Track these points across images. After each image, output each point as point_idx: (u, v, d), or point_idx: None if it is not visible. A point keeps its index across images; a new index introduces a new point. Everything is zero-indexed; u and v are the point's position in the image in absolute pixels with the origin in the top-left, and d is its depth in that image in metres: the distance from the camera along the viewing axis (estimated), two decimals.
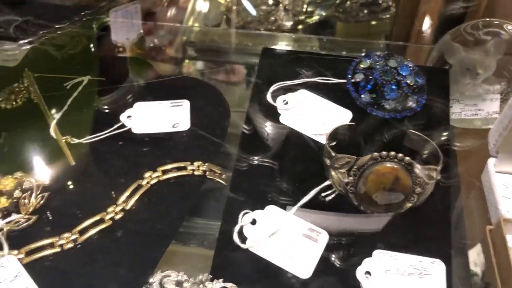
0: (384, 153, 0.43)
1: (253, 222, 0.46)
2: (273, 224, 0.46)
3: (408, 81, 0.52)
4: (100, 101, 0.60)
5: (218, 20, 0.84)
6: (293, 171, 0.50)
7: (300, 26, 0.83)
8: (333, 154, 0.45)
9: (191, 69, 0.82)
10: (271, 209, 0.47)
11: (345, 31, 0.86)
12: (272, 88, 0.55)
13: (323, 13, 0.85)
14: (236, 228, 0.46)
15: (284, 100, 0.54)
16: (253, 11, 0.80)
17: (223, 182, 0.52)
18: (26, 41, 0.62)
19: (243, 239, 0.45)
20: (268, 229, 0.46)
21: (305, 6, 0.83)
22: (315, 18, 0.85)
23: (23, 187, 0.49)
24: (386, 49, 0.81)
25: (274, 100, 0.54)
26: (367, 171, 0.43)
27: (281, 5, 0.82)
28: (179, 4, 0.87)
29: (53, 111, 0.58)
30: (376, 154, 0.43)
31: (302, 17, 0.83)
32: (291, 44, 0.80)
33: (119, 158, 0.53)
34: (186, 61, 0.80)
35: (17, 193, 0.48)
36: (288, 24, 0.83)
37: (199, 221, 0.52)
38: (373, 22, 0.86)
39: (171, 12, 0.84)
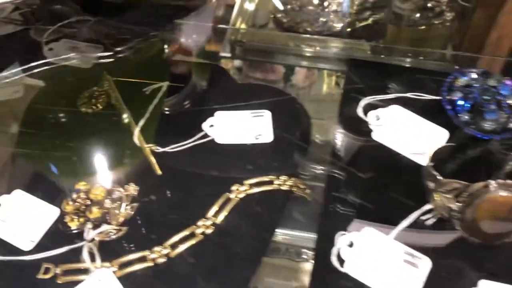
0: (500, 181, 0.40)
1: (350, 244, 0.45)
2: (371, 247, 0.44)
3: (510, 102, 0.50)
4: (177, 108, 0.59)
5: (266, 20, 0.82)
6: (387, 191, 0.48)
7: (349, 29, 0.81)
8: (438, 177, 0.43)
9: (229, 66, 0.80)
10: (368, 231, 0.45)
11: (396, 35, 0.83)
12: (362, 102, 0.53)
13: (375, 16, 0.82)
14: (334, 251, 0.44)
15: (376, 116, 0.52)
16: (280, 6, 0.77)
17: (308, 198, 0.51)
18: (120, 48, 0.61)
19: (340, 261, 0.44)
20: (366, 252, 0.44)
21: (355, 7, 0.81)
22: (368, 21, 0.82)
23: (113, 196, 0.48)
24: (453, 58, 0.78)
25: (365, 114, 0.52)
26: (479, 198, 0.41)
27: (330, 6, 0.80)
28: (228, 2, 0.85)
29: (129, 115, 0.56)
30: (492, 182, 0.41)
31: (352, 19, 0.81)
32: (340, 46, 0.78)
33: (204, 169, 0.52)
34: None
35: (107, 203, 0.47)
36: (338, 26, 0.80)
37: (284, 231, 0.51)
38: (423, 27, 0.83)
39: (220, 10, 0.83)
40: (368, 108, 0.53)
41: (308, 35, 0.74)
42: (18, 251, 0.45)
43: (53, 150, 0.54)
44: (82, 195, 0.47)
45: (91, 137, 0.55)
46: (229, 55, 0.76)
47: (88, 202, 0.46)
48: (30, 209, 0.48)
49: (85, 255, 0.44)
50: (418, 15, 0.82)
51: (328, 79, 0.73)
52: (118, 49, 0.61)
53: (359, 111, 0.53)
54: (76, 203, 0.46)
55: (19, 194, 0.49)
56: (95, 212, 0.46)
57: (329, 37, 0.75)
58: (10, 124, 0.60)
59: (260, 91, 0.63)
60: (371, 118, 0.52)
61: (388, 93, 0.54)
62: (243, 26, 0.80)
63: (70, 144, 0.54)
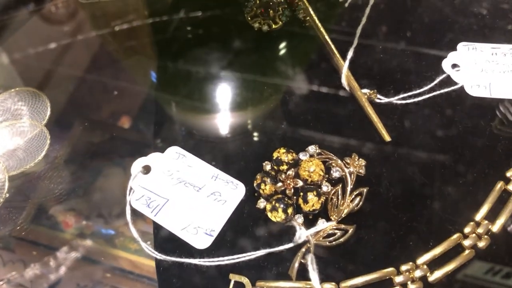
0: None
1: None
2: None
3: None
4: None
5: None
6: None
7: None
8: None
9: None
10: None
11: None
12: None
13: None
14: None
15: None
16: None
17: None
18: None
19: None
20: None
21: None
22: None
23: (332, 174, 0.30)
24: None
25: None
26: None
27: None
28: None
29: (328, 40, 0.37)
30: None
31: None
32: None
33: (451, 136, 0.33)
34: None
35: (325, 187, 0.30)
36: None
37: None
38: None
39: None
40: None
41: None
42: (191, 250, 0.29)
43: (204, 84, 0.36)
44: (285, 169, 0.30)
45: (270, 70, 0.36)
46: None
47: (298, 183, 0.29)
48: (195, 179, 0.31)
49: (295, 266, 0.28)
50: None
51: None
52: None
53: None
54: (279, 183, 0.29)
55: (175, 154, 0.33)
56: (313, 201, 0.29)
57: None
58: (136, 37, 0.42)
59: None
60: None
61: None
62: None
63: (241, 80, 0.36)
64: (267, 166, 0.31)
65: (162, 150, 0.33)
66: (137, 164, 0.32)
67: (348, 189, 0.30)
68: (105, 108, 0.38)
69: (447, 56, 0.36)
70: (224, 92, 0.36)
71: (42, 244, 0.32)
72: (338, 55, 0.35)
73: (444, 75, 0.35)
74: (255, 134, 0.34)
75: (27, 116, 0.34)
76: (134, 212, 0.31)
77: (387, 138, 0.32)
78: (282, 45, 0.38)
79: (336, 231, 0.29)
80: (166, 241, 0.30)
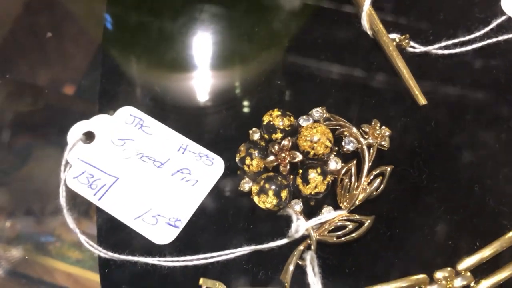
0: None
1: None
2: None
3: None
4: None
5: None
6: None
7: None
8: None
9: None
10: None
11: None
12: None
13: None
14: None
15: None
16: None
17: None
18: None
19: None
20: None
21: None
22: None
23: (343, 147, 0.31)
24: None
25: None
26: None
27: None
28: None
29: None
30: None
31: None
32: None
33: (504, 100, 0.34)
34: None
35: (333, 163, 0.30)
36: None
37: None
38: None
39: None
40: None
41: None
42: (148, 246, 0.30)
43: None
44: (279, 138, 0.30)
45: (267, 14, 0.38)
46: None
47: (297, 157, 0.30)
48: (156, 151, 0.32)
49: (290, 269, 0.29)
50: None
51: None
52: None
53: None
54: (271, 157, 0.30)
55: (129, 117, 0.33)
56: (316, 182, 0.29)
57: None
58: None
59: None
60: None
61: None
62: None
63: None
64: (255, 135, 0.32)
65: (111, 112, 0.34)
66: (76, 130, 0.33)
67: (366, 167, 0.31)
68: (39, 65, 0.39)
69: None
70: (200, 41, 0.37)
71: None
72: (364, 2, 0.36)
73: (503, 18, 0.36)
74: (240, 94, 0.35)
75: None
76: (74, 197, 0.32)
77: (422, 101, 0.34)
78: None
79: (348, 223, 0.30)
80: (113, 234, 0.31)
